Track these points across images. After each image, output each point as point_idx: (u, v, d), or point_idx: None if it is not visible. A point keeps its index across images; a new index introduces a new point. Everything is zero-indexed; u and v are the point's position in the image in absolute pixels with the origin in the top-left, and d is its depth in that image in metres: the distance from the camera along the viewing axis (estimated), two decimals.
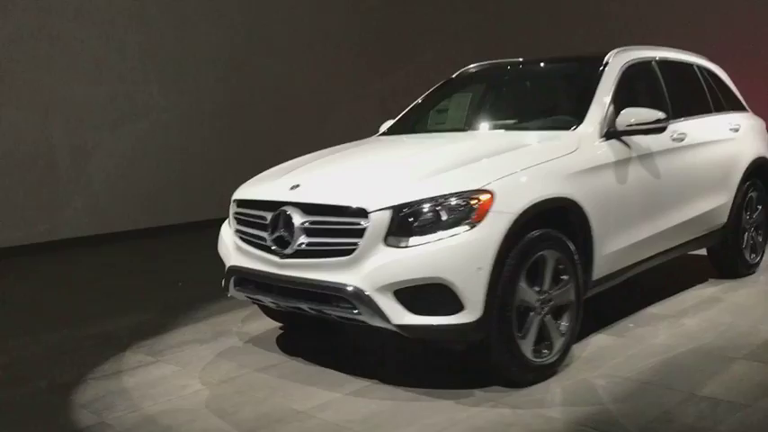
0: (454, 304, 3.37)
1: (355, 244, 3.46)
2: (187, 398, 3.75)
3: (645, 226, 4.50)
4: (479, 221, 3.40)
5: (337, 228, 3.56)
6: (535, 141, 4.18)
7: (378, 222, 3.42)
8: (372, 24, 11.90)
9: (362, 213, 3.45)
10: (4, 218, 8.24)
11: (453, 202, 3.43)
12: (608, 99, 4.41)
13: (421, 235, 3.41)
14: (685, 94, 5.36)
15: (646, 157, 4.50)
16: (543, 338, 3.75)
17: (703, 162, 5.13)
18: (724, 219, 5.43)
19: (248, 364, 4.22)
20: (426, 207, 3.43)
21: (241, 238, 4.08)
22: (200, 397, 3.76)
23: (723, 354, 4.02)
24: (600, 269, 4.13)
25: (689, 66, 5.61)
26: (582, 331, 4.14)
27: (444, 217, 3.42)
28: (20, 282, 7.21)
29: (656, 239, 4.64)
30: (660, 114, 4.33)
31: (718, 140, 5.38)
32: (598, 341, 4.35)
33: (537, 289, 3.67)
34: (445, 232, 3.39)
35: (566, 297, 3.84)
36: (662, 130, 4.40)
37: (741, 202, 5.55)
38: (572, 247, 3.84)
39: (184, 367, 4.25)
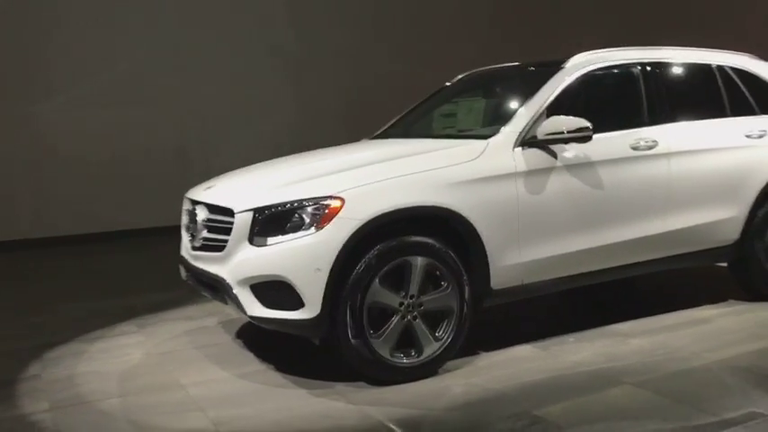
0: (295, 301, 3.66)
1: (226, 241, 3.88)
2: (119, 363, 4.42)
3: (578, 238, 4.34)
4: (324, 226, 3.65)
5: (218, 226, 4.00)
6: (440, 149, 4.25)
7: (241, 222, 3.80)
8: (506, 23, 11.86)
9: (231, 213, 3.87)
10: (145, 205, 9.62)
11: (304, 206, 3.71)
12: (540, 106, 4.32)
13: (276, 236, 3.73)
14: (679, 98, 4.94)
15: (582, 166, 4.33)
16: (412, 341, 3.88)
17: (691, 171, 4.74)
18: (734, 234, 4.95)
19: (198, 341, 4.80)
20: (280, 210, 3.75)
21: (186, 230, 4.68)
22: (128, 364, 4.41)
23: (613, 378, 3.82)
24: (502, 279, 4.11)
25: (698, 67, 5.16)
26: (517, 339, 4.23)
27: (295, 220, 3.72)
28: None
29: (602, 253, 4.43)
30: (582, 123, 4.16)
31: (722, 148, 4.91)
32: (516, 351, 4.32)
33: (402, 293, 3.81)
34: (294, 234, 3.69)
35: (444, 303, 3.92)
36: (586, 139, 4.21)
37: (766, 217, 5.01)
38: (452, 254, 3.90)
39: (148, 338, 4.94)
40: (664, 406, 3.44)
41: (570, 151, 4.31)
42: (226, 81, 10.08)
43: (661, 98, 4.82)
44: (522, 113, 4.31)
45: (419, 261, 3.83)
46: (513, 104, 4.62)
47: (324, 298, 3.63)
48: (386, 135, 5.37)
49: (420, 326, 3.87)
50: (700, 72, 5.17)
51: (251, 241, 3.78)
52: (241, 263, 3.78)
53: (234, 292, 3.80)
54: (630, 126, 4.67)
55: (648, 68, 4.85)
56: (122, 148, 9.55)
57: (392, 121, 5.63)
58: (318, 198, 3.71)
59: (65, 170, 9.32)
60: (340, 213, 3.66)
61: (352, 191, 3.74)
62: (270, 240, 3.74)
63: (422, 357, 3.88)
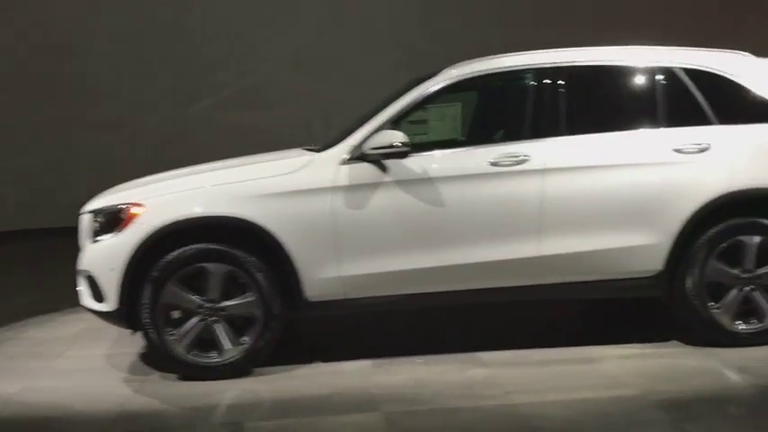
0: (99, 295, 4.16)
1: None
2: None
3: (413, 256, 4.14)
4: (123, 230, 4.08)
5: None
6: (269, 161, 4.39)
7: (86, 222, 4.37)
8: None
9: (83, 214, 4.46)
10: None
11: (116, 211, 4.16)
12: (384, 119, 4.22)
13: (103, 235, 4.24)
14: (578, 109, 4.34)
15: (419, 182, 4.13)
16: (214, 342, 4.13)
17: (576, 190, 4.19)
18: (655, 265, 4.26)
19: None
20: (104, 213, 4.24)
21: None
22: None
23: (375, 404, 3.69)
24: (319, 291, 4.13)
25: (622, 70, 4.48)
26: (373, 353, 4.36)
27: (112, 223, 4.18)
28: None
29: (446, 274, 4.16)
30: (395, 139, 4.00)
31: (631, 164, 4.24)
32: (349, 365, 4.29)
33: (204, 297, 4.08)
34: (105, 236, 4.17)
35: (247, 310, 4.10)
36: (403, 155, 4.02)
37: (707, 247, 4.23)
38: (257, 264, 4.05)
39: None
40: None
41: (407, 167, 4.13)
42: (357, 82, 10.65)
43: (545, 110, 4.31)
44: (365, 127, 4.24)
45: (217, 268, 4.06)
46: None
47: (120, 294, 4.06)
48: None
49: (221, 329, 4.10)
50: (622, 77, 4.50)
51: (92, 239, 4.34)
52: (80, 257, 4.36)
53: (80, 282, 4.40)
54: (497, 140, 4.31)
55: (536, 77, 4.37)
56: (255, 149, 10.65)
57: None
58: (126, 204, 4.14)
59: None
60: (138, 219, 4.06)
61: (154, 199, 4.11)
62: (98, 239, 4.25)
63: (223, 359, 4.11)
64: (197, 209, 4.10)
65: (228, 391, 3.97)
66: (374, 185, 4.13)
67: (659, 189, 4.22)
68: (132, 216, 4.08)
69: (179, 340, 4.10)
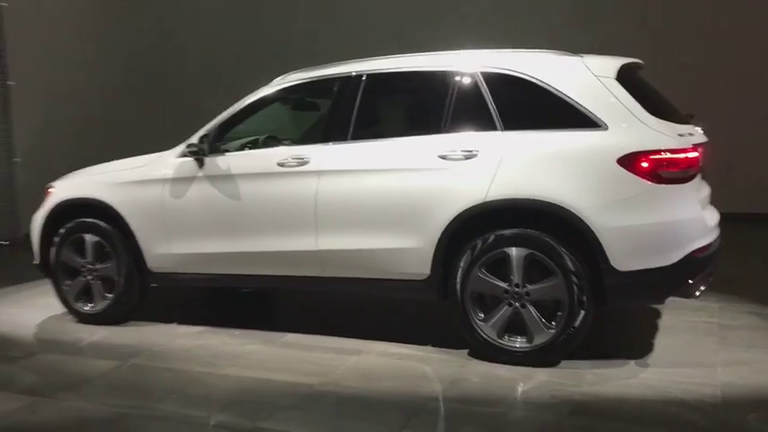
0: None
1: None
2: None
3: (216, 242, 4.84)
4: (43, 204, 5.47)
5: None
6: (138, 157, 5.30)
7: None
8: None
9: None
10: None
11: (45, 189, 5.56)
12: (217, 122, 4.93)
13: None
14: (372, 114, 4.54)
15: (222, 177, 4.79)
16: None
17: (345, 191, 4.47)
18: (422, 270, 4.34)
19: None
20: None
21: None
22: None
23: None
24: (156, 264, 5.08)
25: (421, 76, 4.50)
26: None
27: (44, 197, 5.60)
28: None
29: (243, 260, 4.78)
30: (190, 140, 4.71)
31: (397, 169, 4.37)
32: (184, 329, 5.14)
33: (85, 260, 5.30)
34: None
35: (107, 274, 5.22)
36: (195, 154, 4.71)
37: (471, 256, 4.18)
38: (117, 234, 5.13)
39: None
40: None
41: (217, 164, 4.83)
42: None
43: (336, 116, 4.61)
44: (204, 127, 5.00)
45: (90, 237, 5.23)
46: None
47: (40, 251, 5.47)
48: None
49: (97, 286, 5.27)
50: (414, 83, 4.56)
51: None
52: None
53: None
54: (293, 143, 4.77)
55: (335, 86, 4.66)
56: None
57: None
58: (49, 186, 5.53)
59: None
60: (50, 198, 5.43)
61: (58, 183, 5.43)
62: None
63: (96, 308, 5.29)
64: (75, 192, 5.33)
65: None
66: (191, 179, 4.91)
67: (421, 195, 4.28)
68: (48, 194, 5.48)
69: (71, 294, 5.36)
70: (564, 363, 4.12)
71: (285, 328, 4.99)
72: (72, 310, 5.40)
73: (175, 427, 3.56)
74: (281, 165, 4.64)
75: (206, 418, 3.58)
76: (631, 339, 4.73)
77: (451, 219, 4.18)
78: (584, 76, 4.16)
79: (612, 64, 4.23)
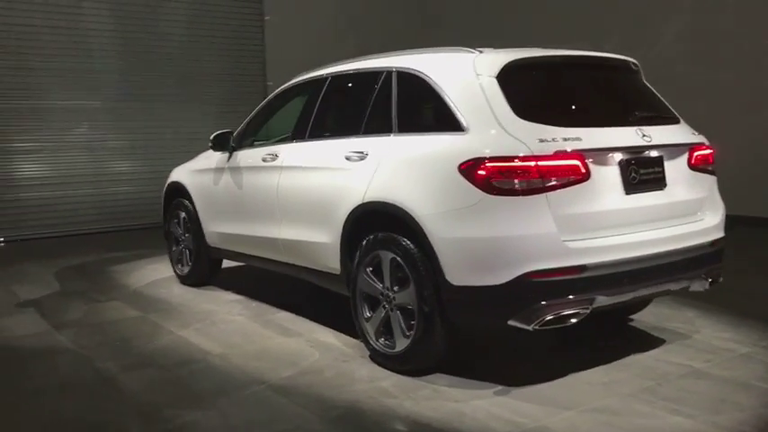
0: None
1: None
2: None
3: (236, 225, 5.58)
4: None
5: None
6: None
7: None
8: None
9: None
10: None
11: None
12: (247, 120, 5.70)
13: None
14: (323, 114, 4.79)
15: (236, 169, 5.56)
16: None
17: (292, 187, 4.89)
18: (334, 264, 4.54)
19: None
20: None
21: None
22: None
23: None
24: (210, 239, 6.04)
25: (359, 78, 4.63)
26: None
27: None
28: None
29: (251, 242, 5.44)
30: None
31: (318, 168, 4.65)
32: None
33: (181, 232, 6.54)
34: None
35: (189, 245, 6.37)
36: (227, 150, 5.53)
37: (359, 257, 4.27)
38: (191, 213, 6.25)
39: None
40: None
41: (237, 157, 5.60)
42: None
43: (303, 116, 4.99)
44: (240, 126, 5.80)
45: (182, 215, 6.42)
46: None
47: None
48: None
49: (176, 255, 6.47)
50: (359, 84, 4.66)
51: None
52: None
53: None
54: (276, 141, 5.31)
55: (308, 89, 5.04)
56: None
57: None
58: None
59: None
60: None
61: (174, 171, 6.70)
62: None
63: (184, 271, 6.49)
64: (172, 177, 6.53)
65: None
66: (221, 169, 5.76)
67: (330, 193, 4.50)
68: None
69: (174, 257, 6.67)
70: (433, 377, 3.96)
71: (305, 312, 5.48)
72: (174, 270, 6.69)
73: None
74: (263, 160, 5.22)
75: None
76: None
77: (345, 218, 4.32)
78: (466, 75, 3.88)
79: (500, 60, 3.85)
